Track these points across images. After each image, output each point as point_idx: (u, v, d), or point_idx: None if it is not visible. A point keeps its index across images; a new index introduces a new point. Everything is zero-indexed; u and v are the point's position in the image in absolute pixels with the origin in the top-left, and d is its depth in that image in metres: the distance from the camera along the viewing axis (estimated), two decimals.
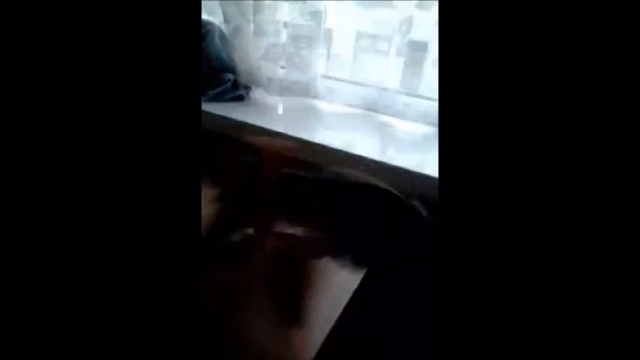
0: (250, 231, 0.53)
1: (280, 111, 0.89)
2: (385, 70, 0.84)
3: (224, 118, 0.82)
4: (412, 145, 0.79)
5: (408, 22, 0.77)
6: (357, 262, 0.49)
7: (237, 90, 0.90)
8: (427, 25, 0.77)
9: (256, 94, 0.91)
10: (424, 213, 0.45)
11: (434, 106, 0.82)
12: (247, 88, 0.91)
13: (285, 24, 0.87)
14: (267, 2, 0.84)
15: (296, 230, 0.53)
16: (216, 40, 0.89)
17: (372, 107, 0.87)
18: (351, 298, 0.53)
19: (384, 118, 0.86)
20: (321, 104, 0.90)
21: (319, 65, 0.88)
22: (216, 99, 0.88)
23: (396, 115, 0.85)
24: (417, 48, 0.80)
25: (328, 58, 0.89)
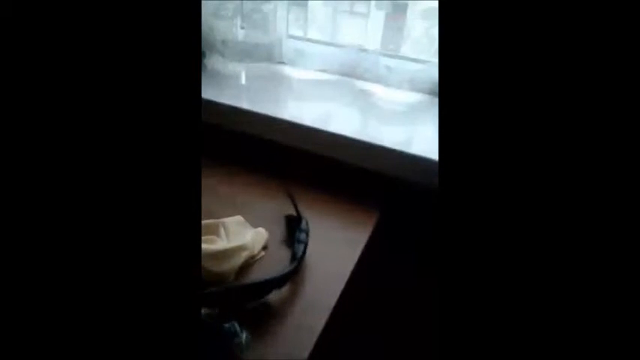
0: None
1: (243, 81, 0.76)
2: (363, 29, 0.71)
3: None
4: (397, 117, 0.67)
5: None
6: None
7: None
8: None
9: (211, 61, 0.76)
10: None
11: (421, 70, 0.69)
12: (201, 54, 0.77)
13: None
14: None
15: None
16: None
17: (349, 72, 0.74)
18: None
19: (364, 84, 0.73)
20: (289, 70, 0.77)
21: (284, 23, 0.74)
22: None
23: (378, 80, 0.72)
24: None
25: (293, 14, 0.75)
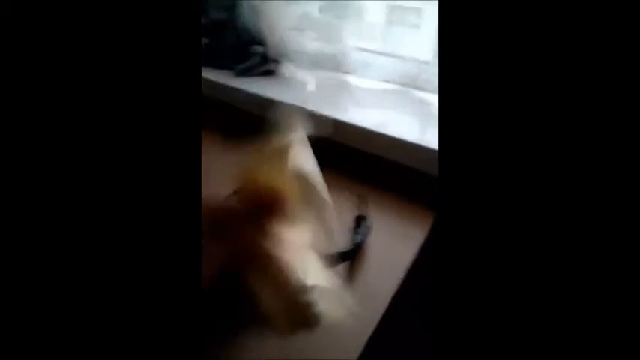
0: None
1: (312, 87, 0.84)
2: (421, 41, 0.76)
3: (251, 94, 0.78)
4: None
5: None
6: None
7: (266, 64, 0.85)
8: None
9: (286, 68, 0.85)
10: None
11: None
12: (277, 62, 0.86)
13: None
14: None
15: None
16: (245, 10, 0.83)
17: (410, 83, 0.80)
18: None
19: (423, 94, 0.79)
20: (354, 79, 0.84)
21: (352, 37, 0.81)
22: (244, 73, 0.83)
23: (437, 91, 0.78)
24: None
25: (362, 29, 0.82)
